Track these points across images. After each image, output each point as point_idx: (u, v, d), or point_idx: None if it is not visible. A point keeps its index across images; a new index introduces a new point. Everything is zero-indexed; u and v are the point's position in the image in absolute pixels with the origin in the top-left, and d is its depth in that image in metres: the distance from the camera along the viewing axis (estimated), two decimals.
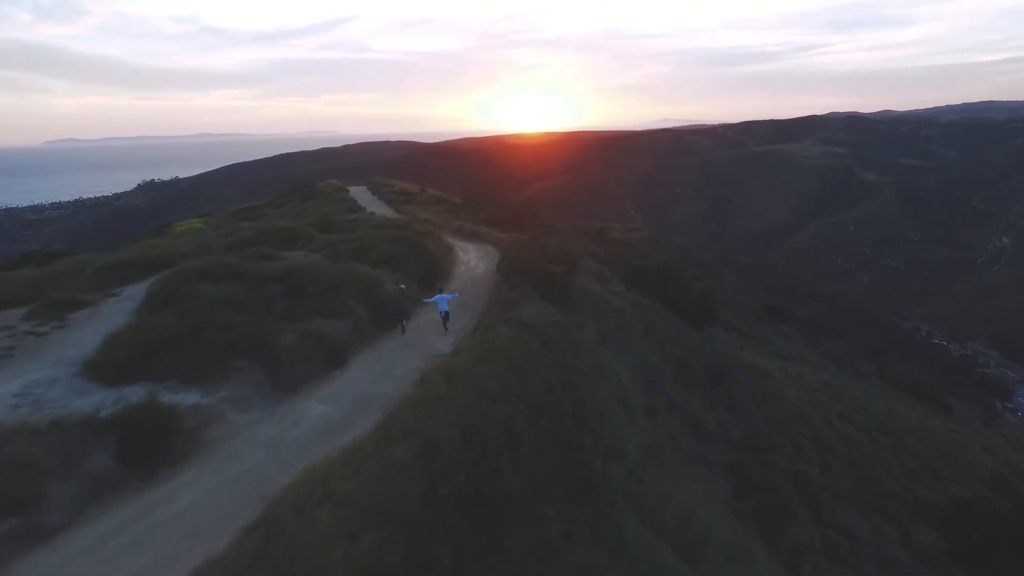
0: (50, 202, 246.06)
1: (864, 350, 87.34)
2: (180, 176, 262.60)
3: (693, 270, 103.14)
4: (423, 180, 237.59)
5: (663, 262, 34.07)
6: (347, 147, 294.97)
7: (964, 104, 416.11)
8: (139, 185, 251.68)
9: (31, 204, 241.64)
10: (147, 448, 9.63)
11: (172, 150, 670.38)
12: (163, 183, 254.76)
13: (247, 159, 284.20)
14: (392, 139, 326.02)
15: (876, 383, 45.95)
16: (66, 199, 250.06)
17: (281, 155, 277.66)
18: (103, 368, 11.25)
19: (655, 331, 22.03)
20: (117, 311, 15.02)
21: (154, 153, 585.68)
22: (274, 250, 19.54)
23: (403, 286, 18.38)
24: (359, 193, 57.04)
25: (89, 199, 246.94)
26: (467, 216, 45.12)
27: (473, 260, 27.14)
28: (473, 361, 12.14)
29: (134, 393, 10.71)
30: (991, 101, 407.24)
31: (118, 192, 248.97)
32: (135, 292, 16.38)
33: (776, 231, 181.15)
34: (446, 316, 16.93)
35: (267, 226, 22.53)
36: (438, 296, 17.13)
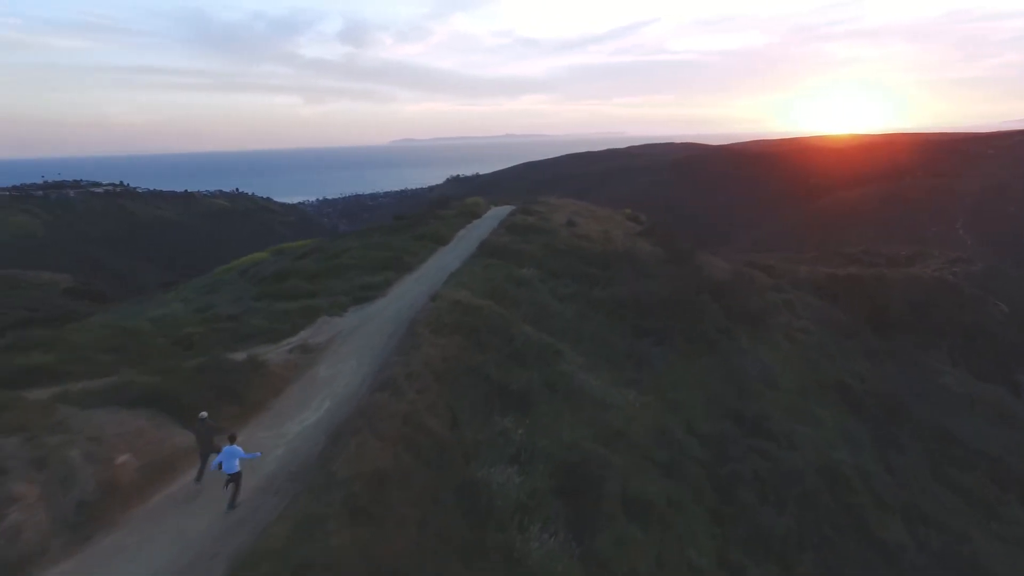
0: (384, 191, 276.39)
1: None
2: (480, 172, 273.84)
3: None
4: (702, 183, 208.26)
5: None
6: (631, 148, 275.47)
7: None
8: (447, 179, 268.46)
9: (370, 192, 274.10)
10: None
11: (480, 149, 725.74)
12: (466, 178, 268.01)
13: (539, 158, 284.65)
14: (677, 140, 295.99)
15: None
16: (395, 189, 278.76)
17: (567, 155, 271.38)
18: None
19: None
20: None
21: (466, 152, 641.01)
22: None
23: (205, 413, 10.98)
24: (492, 217, 38.18)
25: (410, 190, 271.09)
26: (564, 297, 22.70)
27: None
28: None
29: None
30: None
31: (432, 185, 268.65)
32: None
33: None
34: (233, 482, 9.97)
35: None
36: (226, 449, 10.07)
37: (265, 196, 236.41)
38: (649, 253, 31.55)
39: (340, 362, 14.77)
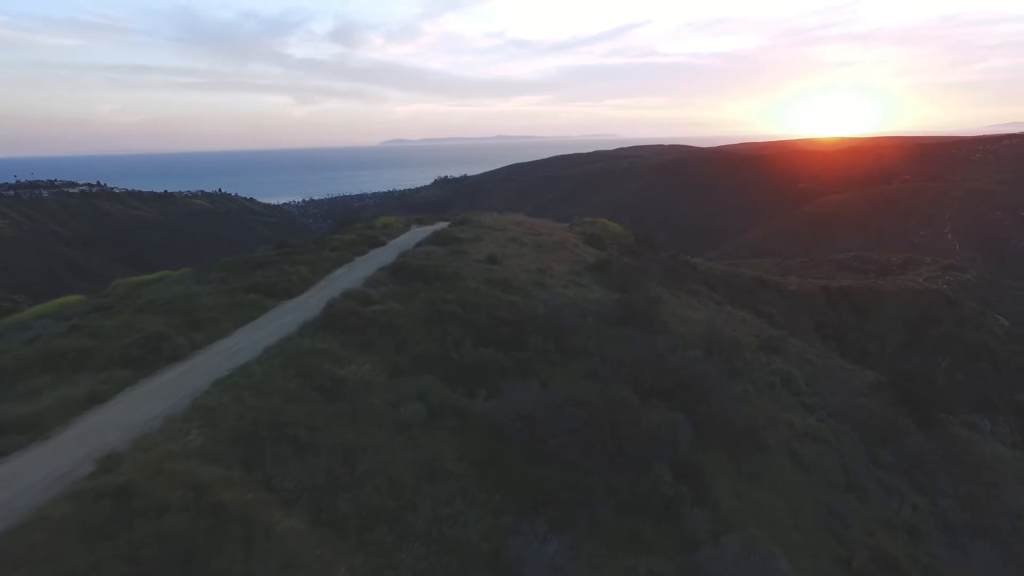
0: (372, 192, 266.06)
1: None
2: (468, 174, 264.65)
3: None
4: (691, 186, 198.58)
5: None
6: (619, 150, 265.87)
7: None
8: (435, 180, 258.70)
9: (358, 193, 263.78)
10: None
11: (472, 151, 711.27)
12: (454, 179, 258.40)
13: (528, 160, 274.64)
14: (666, 143, 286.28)
15: None
16: (383, 190, 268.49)
17: (554, 157, 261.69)
18: None
19: None
20: None
21: (457, 153, 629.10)
22: None
23: None
24: (396, 246, 27.92)
25: (397, 191, 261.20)
26: (411, 422, 12.24)
27: None
28: None
29: None
30: None
31: (419, 186, 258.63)
32: None
33: None
34: None
35: None
36: None
37: (248, 196, 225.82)
38: (594, 305, 21.21)
39: None
